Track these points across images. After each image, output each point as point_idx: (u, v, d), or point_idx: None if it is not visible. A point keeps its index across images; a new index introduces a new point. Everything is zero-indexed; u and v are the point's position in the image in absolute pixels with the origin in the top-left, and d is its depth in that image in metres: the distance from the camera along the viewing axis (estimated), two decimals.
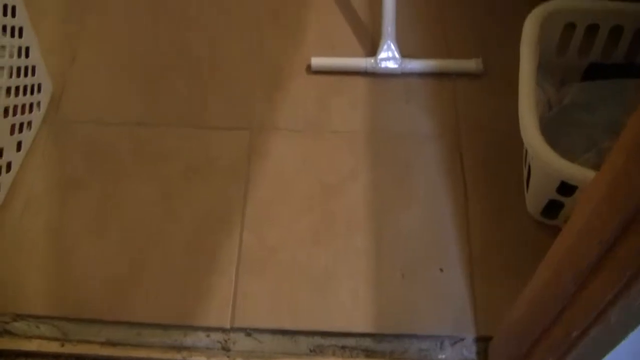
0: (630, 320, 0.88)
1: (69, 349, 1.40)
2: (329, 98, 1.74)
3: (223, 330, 1.42)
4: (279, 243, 1.52)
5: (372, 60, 1.76)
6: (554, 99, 1.65)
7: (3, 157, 1.53)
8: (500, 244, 1.51)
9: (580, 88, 1.63)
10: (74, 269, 1.49)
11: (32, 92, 1.63)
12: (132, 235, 1.53)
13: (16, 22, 1.51)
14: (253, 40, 1.86)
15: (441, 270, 1.48)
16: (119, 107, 1.74)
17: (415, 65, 1.77)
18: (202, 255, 1.50)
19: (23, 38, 1.55)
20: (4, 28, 1.47)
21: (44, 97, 1.70)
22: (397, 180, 1.61)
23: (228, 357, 1.39)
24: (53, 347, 1.40)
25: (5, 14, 1.45)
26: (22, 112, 1.60)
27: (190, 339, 1.41)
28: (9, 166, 1.57)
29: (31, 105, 1.64)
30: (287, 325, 1.42)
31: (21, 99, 1.58)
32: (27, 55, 1.58)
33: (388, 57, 1.76)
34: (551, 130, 1.46)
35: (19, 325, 1.42)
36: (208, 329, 1.42)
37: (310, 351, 1.40)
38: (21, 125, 1.60)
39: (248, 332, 1.41)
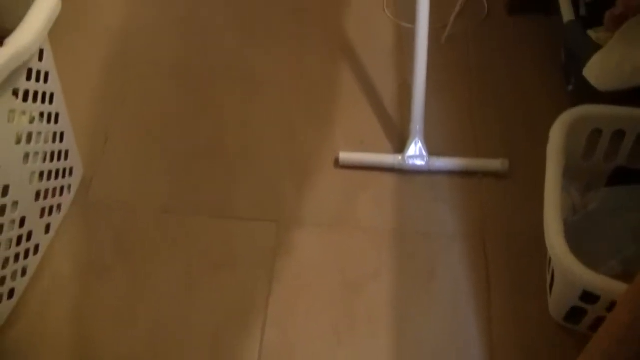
0: None
1: None
2: (355, 193, 1.75)
3: None
4: (301, 340, 1.51)
5: (400, 158, 1.78)
6: (579, 204, 1.65)
7: (31, 240, 1.55)
8: (523, 348, 1.50)
9: (606, 193, 1.63)
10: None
11: (63, 176, 1.66)
12: (156, 328, 1.53)
13: (53, 108, 1.54)
14: (283, 131, 1.89)
15: None
16: (148, 192, 1.76)
17: (442, 163, 1.79)
18: (224, 350, 1.50)
19: (59, 124, 1.58)
20: (42, 114, 1.51)
21: (74, 180, 1.73)
22: (421, 281, 1.61)
23: None
24: None
25: (43, 101, 1.49)
26: (53, 196, 1.62)
27: None
28: (36, 249, 1.59)
29: (62, 188, 1.66)
30: None
31: (53, 183, 1.60)
32: (61, 140, 1.61)
33: (415, 155, 1.78)
34: (575, 236, 1.46)
35: None
36: None
37: None
38: (51, 208, 1.62)
39: None
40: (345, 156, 1.80)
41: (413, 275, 1.61)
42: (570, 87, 1.91)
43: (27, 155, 1.45)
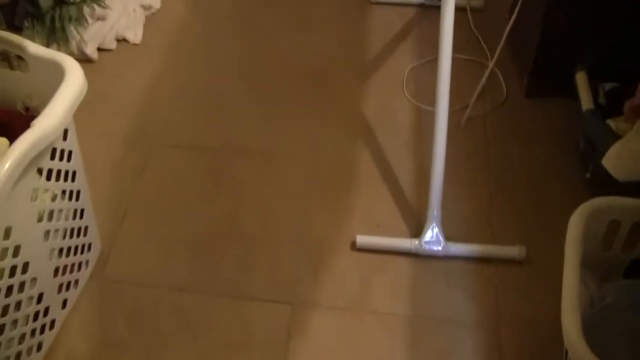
0: None
1: None
2: (371, 276, 1.75)
3: None
4: None
5: (417, 242, 1.79)
6: (597, 295, 1.64)
7: (48, 315, 1.56)
8: None
9: (624, 286, 1.62)
10: None
11: (82, 252, 1.67)
12: None
13: (75, 186, 1.56)
14: (301, 211, 1.90)
15: None
16: (163, 269, 1.77)
17: (459, 249, 1.79)
18: None
19: (79, 201, 1.60)
20: (64, 192, 1.53)
21: (92, 256, 1.74)
22: None
23: None
24: None
25: (66, 179, 1.51)
26: (71, 271, 1.63)
27: None
28: (52, 324, 1.60)
29: (80, 264, 1.68)
30: None
31: (71, 259, 1.62)
32: (81, 217, 1.63)
33: (432, 240, 1.78)
34: (593, 330, 1.45)
35: None
36: None
37: None
38: (68, 283, 1.63)
39: None
40: (362, 239, 1.80)
41: None
42: (588, 175, 1.92)
43: (47, 233, 1.47)
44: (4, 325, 1.40)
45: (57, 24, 2.30)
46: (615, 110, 1.87)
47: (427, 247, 1.78)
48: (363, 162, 2.03)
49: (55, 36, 2.32)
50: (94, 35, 2.36)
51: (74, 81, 1.41)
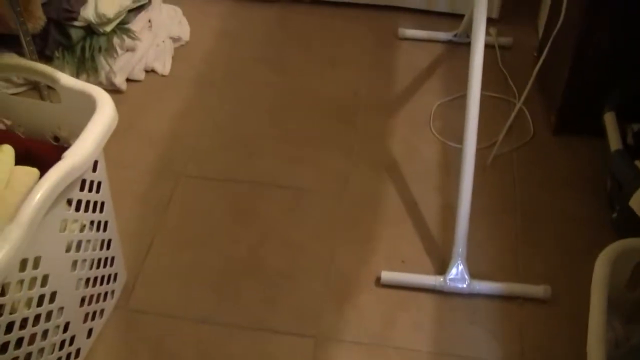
0: None
1: None
2: (395, 313, 1.75)
3: None
4: None
5: (441, 279, 1.78)
6: (622, 336, 1.63)
7: (73, 344, 1.57)
8: None
9: None
10: None
11: (108, 282, 1.68)
12: None
13: (103, 217, 1.57)
14: (326, 247, 1.90)
15: None
16: (187, 301, 1.78)
17: (484, 287, 1.79)
18: None
19: (107, 231, 1.61)
20: (92, 223, 1.54)
21: (118, 286, 1.75)
22: None
23: None
24: None
25: (94, 210, 1.52)
26: (97, 301, 1.64)
27: None
28: (77, 353, 1.61)
29: (106, 294, 1.69)
30: None
31: (97, 289, 1.63)
32: (108, 248, 1.64)
33: (457, 278, 1.78)
34: None
35: None
36: None
37: None
38: (94, 313, 1.64)
39: None
40: (386, 275, 1.80)
41: None
42: (615, 215, 1.91)
43: (75, 263, 1.48)
44: (30, 354, 1.41)
45: (87, 54, 2.33)
46: None
47: (451, 284, 1.78)
48: (389, 197, 2.03)
49: (84, 66, 2.35)
50: (123, 66, 2.39)
51: (105, 114, 1.42)
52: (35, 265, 1.32)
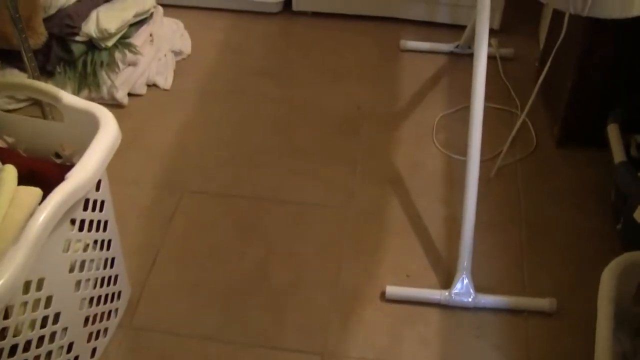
0: None
1: None
2: (400, 328, 1.74)
3: None
4: None
5: (447, 293, 1.77)
6: (629, 350, 1.62)
7: None
8: None
9: None
10: None
11: (111, 300, 1.67)
12: None
13: (106, 235, 1.57)
14: (331, 262, 1.89)
15: None
16: (193, 319, 1.77)
17: (489, 300, 1.78)
18: None
19: (110, 250, 1.60)
20: (95, 242, 1.53)
21: (122, 304, 1.75)
22: None
23: None
24: None
25: (97, 229, 1.52)
26: (101, 320, 1.63)
27: None
28: None
29: (109, 312, 1.68)
30: None
31: (101, 307, 1.62)
32: (111, 266, 1.63)
33: (462, 292, 1.77)
34: None
35: None
36: None
37: None
38: (98, 332, 1.63)
39: None
40: (391, 290, 1.79)
41: None
42: (619, 226, 1.90)
43: (78, 283, 1.48)
44: None
45: (89, 69, 2.33)
46: None
47: (457, 298, 1.77)
48: (393, 211, 2.02)
49: (86, 81, 2.35)
50: (125, 80, 2.38)
51: (109, 133, 1.42)
52: (39, 286, 1.32)
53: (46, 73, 2.32)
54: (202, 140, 2.26)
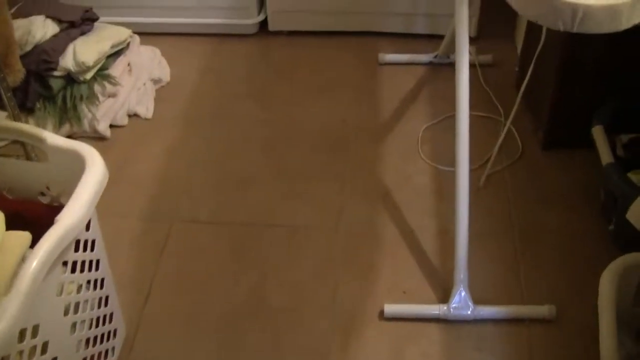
0: None
1: None
2: (401, 345, 1.73)
3: None
4: None
5: (445, 308, 1.76)
6: (634, 352, 1.62)
7: None
8: None
9: None
10: None
11: (107, 339, 1.65)
12: None
13: (99, 274, 1.55)
14: (326, 284, 1.88)
15: None
16: (190, 351, 1.75)
17: (488, 312, 1.77)
18: None
19: (104, 289, 1.58)
20: (88, 282, 1.51)
21: (118, 342, 1.72)
22: None
23: None
24: None
25: (90, 269, 1.50)
26: None
27: None
28: None
29: (106, 352, 1.66)
30: None
31: (98, 348, 1.60)
32: (106, 305, 1.61)
33: (460, 305, 1.76)
34: None
35: None
36: None
37: None
38: None
39: None
40: (389, 309, 1.78)
41: None
42: (612, 227, 1.90)
43: (74, 325, 1.45)
44: None
45: (69, 104, 2.31)
46: (635, 161, 1.87)
47: (455, 312, 1.76)
48: (384, 227, 2.01)
49: (67, 115, 2.33)
50: (105, 112, 2.37)
51: (96, 172, 1.40)
52: (34, 333, 1.29)
53: (26, 110, 2.30)
54: (188, 168, 2.24)
